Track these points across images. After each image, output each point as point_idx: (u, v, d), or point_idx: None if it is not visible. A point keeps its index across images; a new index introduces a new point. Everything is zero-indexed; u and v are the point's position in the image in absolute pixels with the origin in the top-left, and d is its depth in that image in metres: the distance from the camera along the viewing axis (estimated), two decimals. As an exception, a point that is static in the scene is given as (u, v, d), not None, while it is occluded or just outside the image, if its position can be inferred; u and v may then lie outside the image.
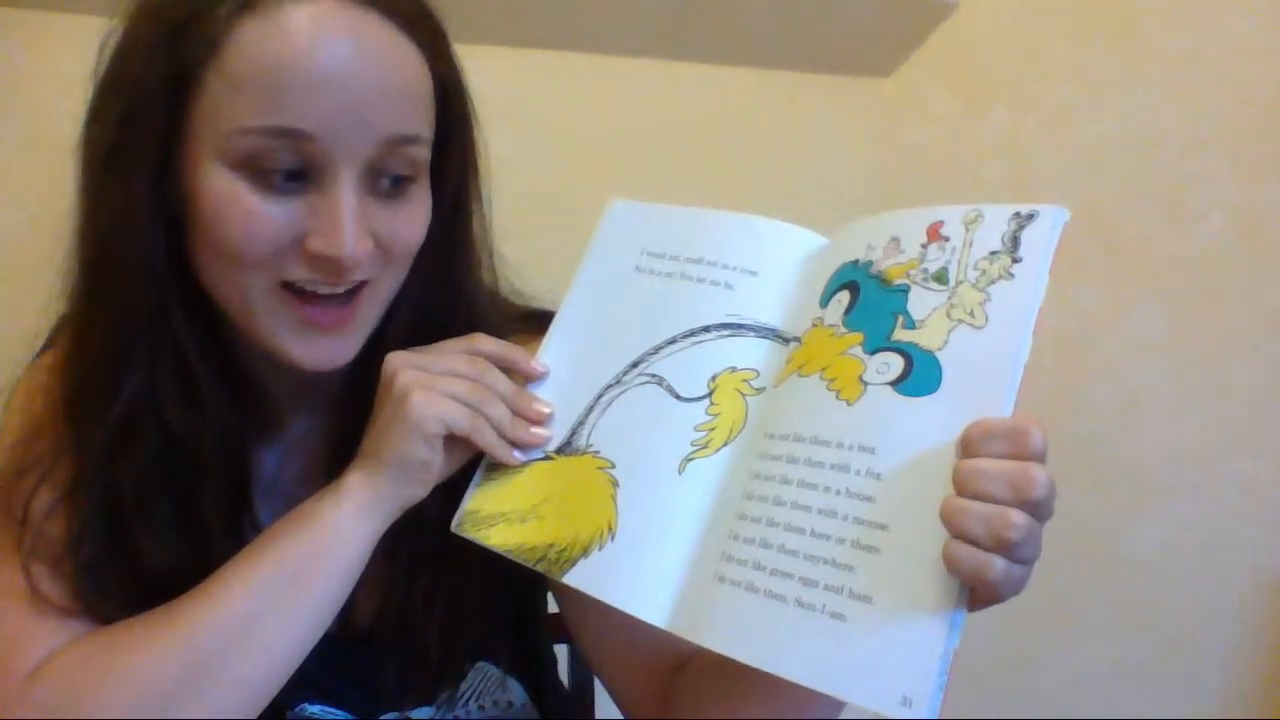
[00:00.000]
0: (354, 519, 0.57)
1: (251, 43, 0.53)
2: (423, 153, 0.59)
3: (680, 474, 0.56)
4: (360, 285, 0.59)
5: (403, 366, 0.58)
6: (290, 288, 0.57)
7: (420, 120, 0.59)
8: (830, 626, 0.46)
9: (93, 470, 0.59)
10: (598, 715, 0.95)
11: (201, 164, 0.55)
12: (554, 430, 0.61)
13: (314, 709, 0.66)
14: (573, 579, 0.55)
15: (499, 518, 0.59)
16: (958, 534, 0.44)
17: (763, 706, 0.59)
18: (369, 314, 0.61)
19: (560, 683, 0.87)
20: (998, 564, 0.43)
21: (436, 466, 0.58)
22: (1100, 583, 1.26)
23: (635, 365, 0.60)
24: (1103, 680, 1.28)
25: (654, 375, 0.59)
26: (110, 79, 0.58)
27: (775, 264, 0.59)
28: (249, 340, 0.60)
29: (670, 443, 0.57)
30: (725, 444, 0.56)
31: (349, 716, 0.67)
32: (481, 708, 0.71)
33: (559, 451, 0.60)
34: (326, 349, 0.59)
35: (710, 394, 0.57)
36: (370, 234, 0.57)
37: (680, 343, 0.60)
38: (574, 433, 0.60)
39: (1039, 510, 0.44)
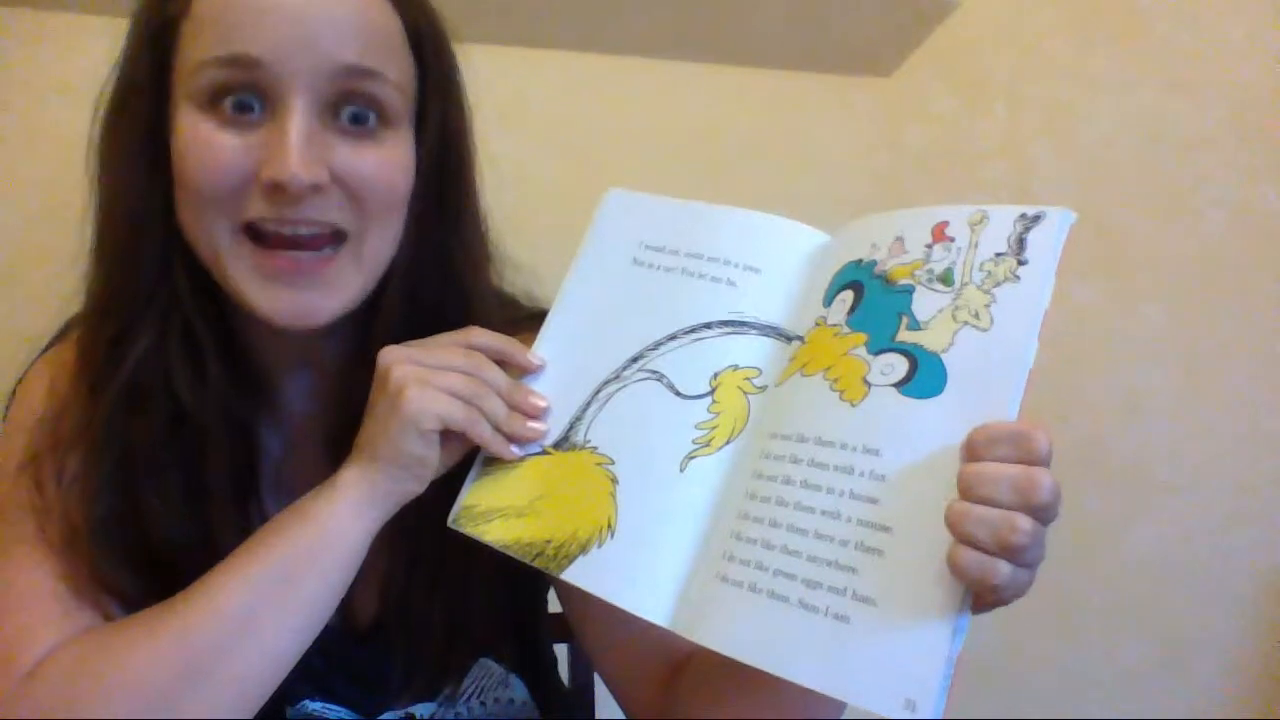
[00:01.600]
0: (350, 515, 0.57)
1: None
2: (388, 93, 0.60)
3: (682, 472, 0.56)
4: (339, 242, 0.59)
5: (398, 361, 0.58)
6: (252, 231, 0.58)
7: (382, 58, 0.59)
8: (834, 628, 0.46)
9: (107, 433, 0.60)
10: (598, 715, 0.95)
11: (178, 112, 0.58)
12: (551, 425, 0.60)
13: (315, 705, 0.66)
14: (571, 575, 0.55)
15: (495, 513, 0.59)
16: (963, 538, 0.44)
17: (763, 707, 0.59)
18: (350, 272, 0.60)
19: (561, 681, 0.87)
20: (1003, 568, 0.43)
21: (433, 462, 0.58)
22: (1100, 583, 1.26)
23: (635, 361, 0.60)
24: (1103, 680, 1.28)
25: (654, 371, 0.59)
26: (119, 60, 0.61)
27: (778, 261, 0.59)
28: (236, 301, 0.61)
29: (671, 440, 0.57)
30: (727, 442, 0.55)
31: (350, 713, 0.67)
32: (483, 704, 0.71)
33: (556, 446, 0.60)
34: (295, 302, 0.59)
35: (712, 392, 0.57)
36: (329, 168, 0.57)
37: (681, 339, 0.59)
38: (572, 428, 0.60)
39: (1044, 515, 0.44)
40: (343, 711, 0.67)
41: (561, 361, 0.62)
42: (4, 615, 0.58)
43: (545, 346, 0.63)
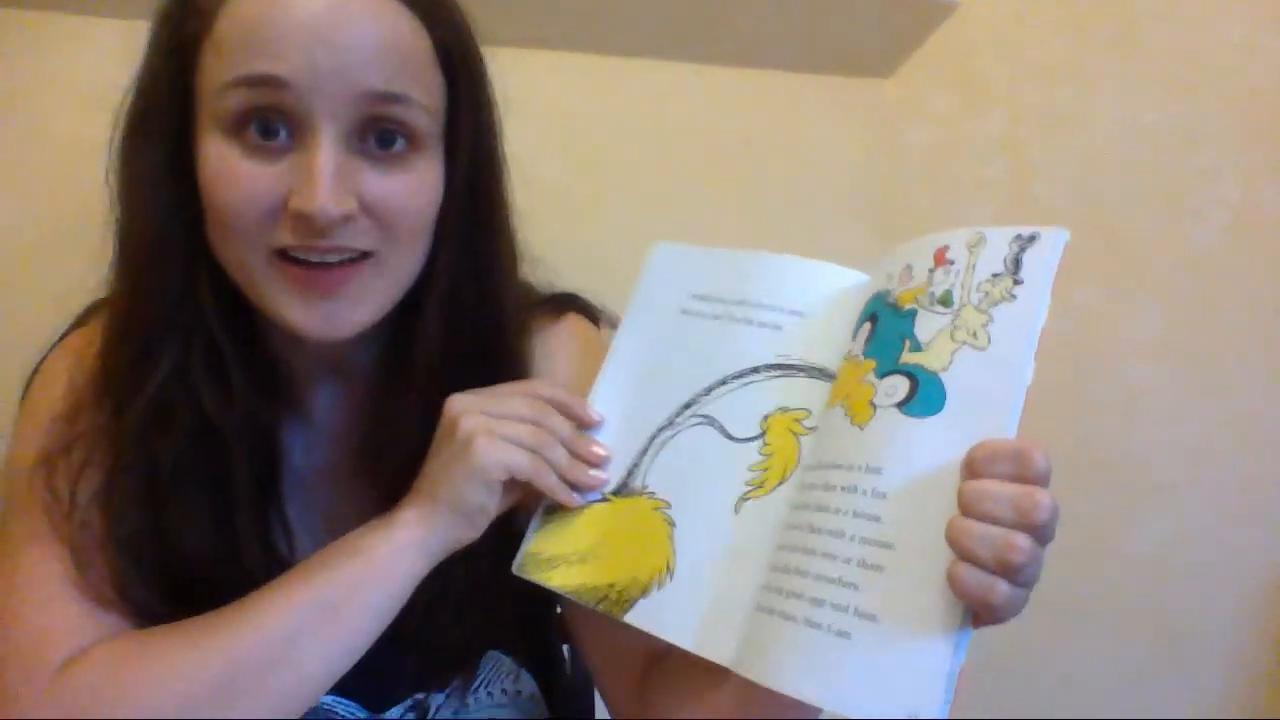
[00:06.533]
0: (403, 555, 0.57)
1: (237, 7, 0.55)
2: (417, 117, 0.59)
3: (736, 514, 0.57)
4: (362, 257, 0.59)
5: (466, 410, 0.58)
6: (285, 256, 0.58)
7: (410, 82, 0.58)
8: (835, 644, 0.47)
9: (132, 448, 0.60)
10: (598, 717, 0.95)
11: (202, 135, 0.57)
12: (610, 472, 0.61)
13: (326, 699, 0.66)
14: (633, 619, 0.56)
15: (559, 560, 0.60)
16: (963, 555, 0.45)
17: (731, 704, 0.59)
18: (375, 285, 0.60)
19: (569, 677, 0.88)
20: (1001, 587, 0.44)
21: (492, 510, 0.58)
22: (1100, 583, 1.27)
23: (687, 407, 0.61)
24: (1103, 680, 1.28)
25: (706, 416, 0.60)
26: (137, 76, 0.60)
27: (820, 303, 0.60)
28: (266, 315, 0.61)
29: (724, 483, 0.57)
30: (780, 484, 0.56)
31: (358, 707, 0.68)
32: (490, 695, 0.71)
33: (616, 493, 0.61)
34: (326, 314, 0.59)
35: (763, 435, 0.58)
36: (357, 196, 0.57)
37: (730, 384, 0.60)
38: (630, 474, 0.61)
39: (1042, 534, 0.45)
40: (351, 705, 0.67)
41: (617, 411, 0.63)
42: (24, 612, 0.58)
43: (600, 397, 0.64)
